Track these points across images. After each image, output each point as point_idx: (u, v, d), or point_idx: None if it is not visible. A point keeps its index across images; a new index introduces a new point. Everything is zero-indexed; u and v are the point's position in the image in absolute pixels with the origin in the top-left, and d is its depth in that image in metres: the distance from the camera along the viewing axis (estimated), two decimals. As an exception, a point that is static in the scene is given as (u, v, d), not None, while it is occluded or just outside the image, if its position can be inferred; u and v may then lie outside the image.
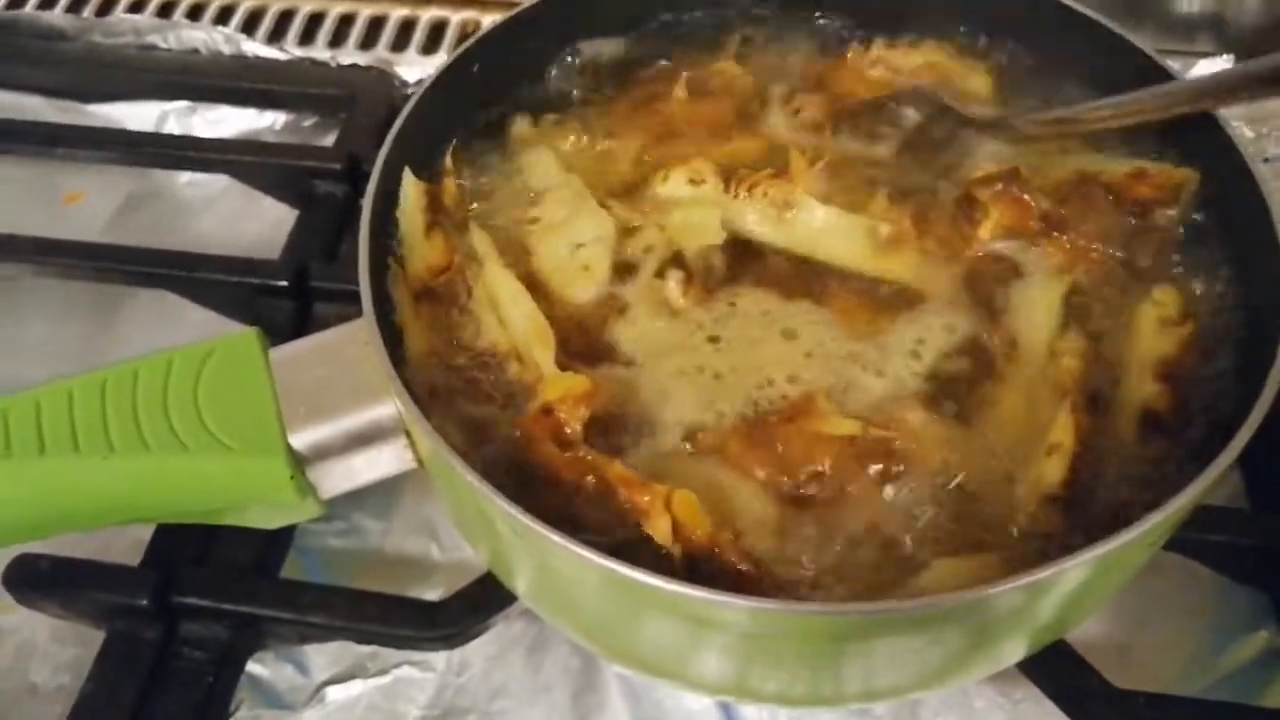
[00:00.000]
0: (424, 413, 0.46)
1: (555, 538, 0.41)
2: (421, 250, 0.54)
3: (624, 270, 0.55)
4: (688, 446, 0.49)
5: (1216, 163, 0.54)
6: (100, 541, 0.62)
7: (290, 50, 0.93)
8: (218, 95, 0.89)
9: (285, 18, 0.97)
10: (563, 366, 0.49)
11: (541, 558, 0.46)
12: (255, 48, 0.92)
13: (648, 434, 0.49)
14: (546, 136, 0.61)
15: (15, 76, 0.91)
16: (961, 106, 0.61)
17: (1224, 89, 0.54)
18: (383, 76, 0.90)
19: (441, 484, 0.52)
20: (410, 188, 0.55)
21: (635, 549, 0.44)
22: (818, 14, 0.67)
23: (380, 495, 0.65)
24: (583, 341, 0.52)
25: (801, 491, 0.47)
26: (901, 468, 0.47)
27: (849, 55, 0.65)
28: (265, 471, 0.48)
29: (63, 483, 0.48)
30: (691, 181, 0.57)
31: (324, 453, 0.49)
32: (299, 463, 0.49)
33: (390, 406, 0.49)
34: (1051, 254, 0.54)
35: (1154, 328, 0.52)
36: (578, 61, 0.65)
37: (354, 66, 0.91)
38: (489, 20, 0.62)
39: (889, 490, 0.47)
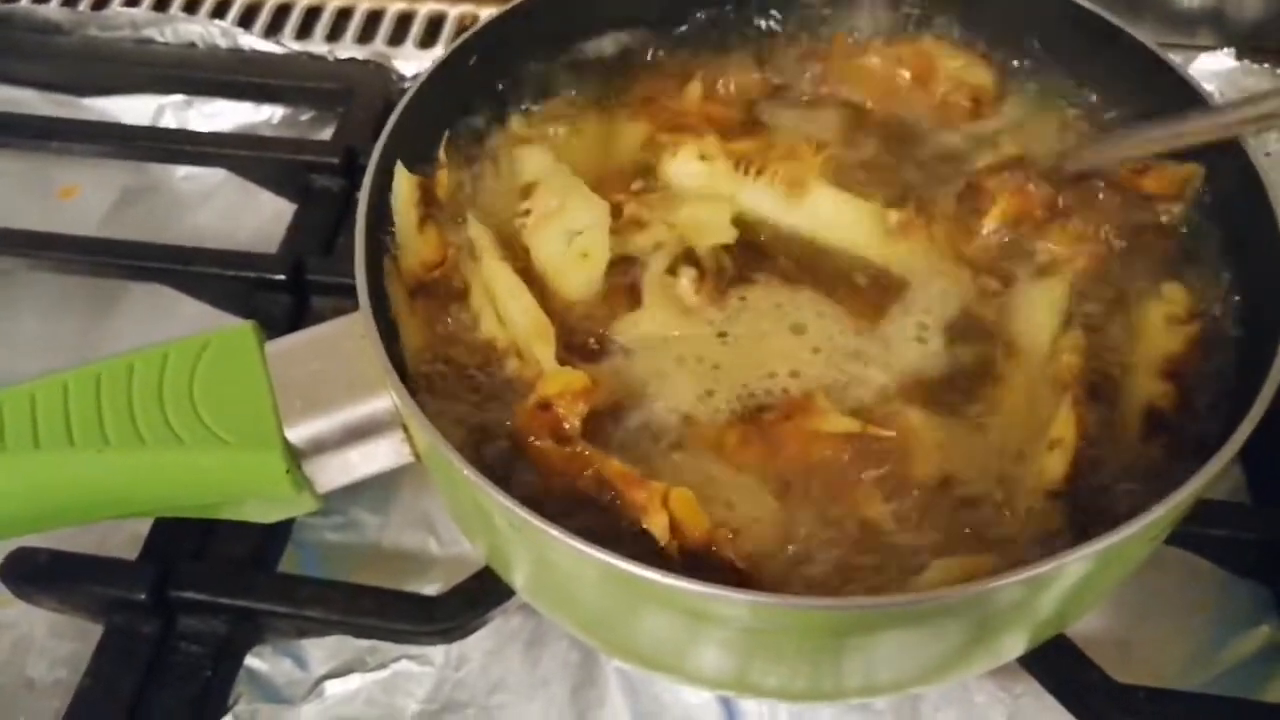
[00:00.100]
0: (421, 407, 0.45)
1: (553, 532, 0.41)
2: (415, 244, 0.54)
3: (629, 265, 0.54)
4: (687, 442, 0.48)
5: (1217, 156, 0.54)
6: (98, 535, 0.62)
7: (287, 44, 0.93)
8: (214, 89, 0.89)
9: (282, 11, 0.97)
10: (562, 362, 0.49)
11: (539, 552, 0.46)
12: (252, 41, 0.91)
13: (648, 429, 0.49)
14: (542, 130, 0.61)
15: (10, 70, 0.91)
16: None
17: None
18: (380, 70, 0.90)
19: (439, 478, 0.52)
20: (403, 181, 0.55)
21: (634, 543, 0.44)
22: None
23: (378, 489, 0.65)
24: (586, 336, 0.52)
25: (799, 490, 0.47)
26: (900, 466, 0.47)
27: (845, 47, 0.64)
28: (261, 465, 0.48)
29: (57, 476, 0.48)
30: (702, 158, 0.57)
31: (320, 446, 0.49)
32: (295, 456, 0.49)
33: (387, 400, 0.48)
34: (1056, 242, 0.54)
35: (1161, 325, 0.51)
36: (576, 56, 0.64)
37: (351, 60, 0.91)
38: (486, 14, 0.61)
39: (887, 489, 0.47)
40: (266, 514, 0.53)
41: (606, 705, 0.57)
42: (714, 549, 0.44)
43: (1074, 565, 0.41)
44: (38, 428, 0.48)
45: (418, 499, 0.65)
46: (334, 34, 0.96)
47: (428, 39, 0.95)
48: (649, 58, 0.65)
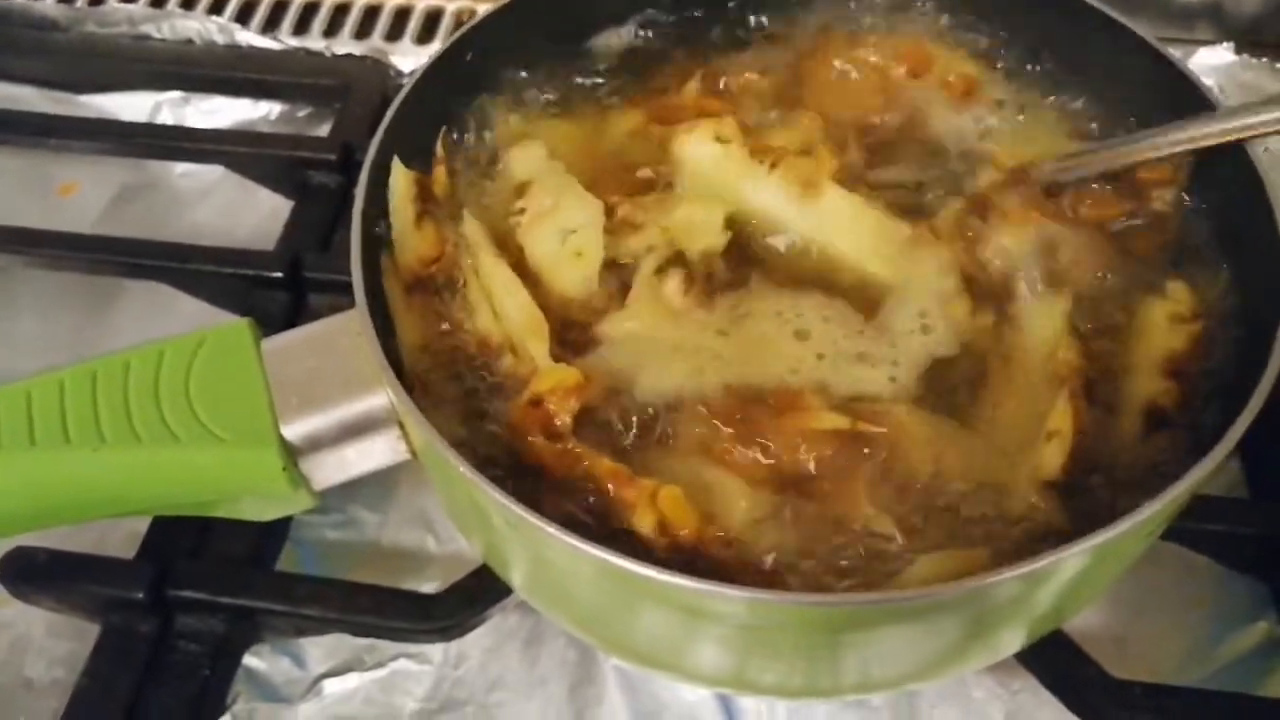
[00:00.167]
0: (417, 404, 0.45)
1: (550, 529, 0.41)
2: (412, 240, 0.54)
3: (623, 266, 0.53)
4: (677, 441, 0.48)
5: (1217, 153, 0.53)
6: (95, 535, 0.62)
7: (284, 40, 0.93)
8: (212, 85, 0.89)
9: (280, 7, 0.97)
10: (557, 358, 0.49)
11: (536, 550, 0.46)
12: (249, 37, 0.91)
13: (639, 426, 0.49)
14: (539, 126, 0.60)
15: (8, 67, 0.91)
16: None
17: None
18: (377, 66, 0.89)
19: (435, 476, 0.52)
20: (400, 177, 0.54)
21: (631, 539, 0.44)
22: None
23: (376, 487, 0.64)
24: (580, 333, 0.52)
25: (789, 486, 0.47)
26: (892, 463, 0.47)
27: (834, 37, 0.64)
28: (257, 463, 0.48)
29: (54, 475, 0.48)
30: (718, 139, 0.56)
31: (317, 444, 0.49)
32: (291, 454, 0.49)
33: (383, 397, 0.48)
34: (1059, 253, 0.54)
35: (1164, 323, 0.51)
36: (573, 52, 0.64)
37: (348, 56, 0.91)
38: (483, 9, 0.61)
39: (879, 485, 0.47)
40: (263, 512, 0.53)
41: (605, 703, 0.57)
42: (703, 546, 0.44)
43: (1071, 560, 0.41)
44: (34, 426, 0.48)
45: (415, 496, 0.65)
46: (331, 29, 0.95)
47: (425, 34, 0.95)
48: (648, 54, 0.65)
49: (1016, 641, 0.50)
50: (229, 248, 0.75)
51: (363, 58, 0.90)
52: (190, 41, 0.92)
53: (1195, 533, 0.59)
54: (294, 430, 0.48)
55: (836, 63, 0.63)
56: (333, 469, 0.50)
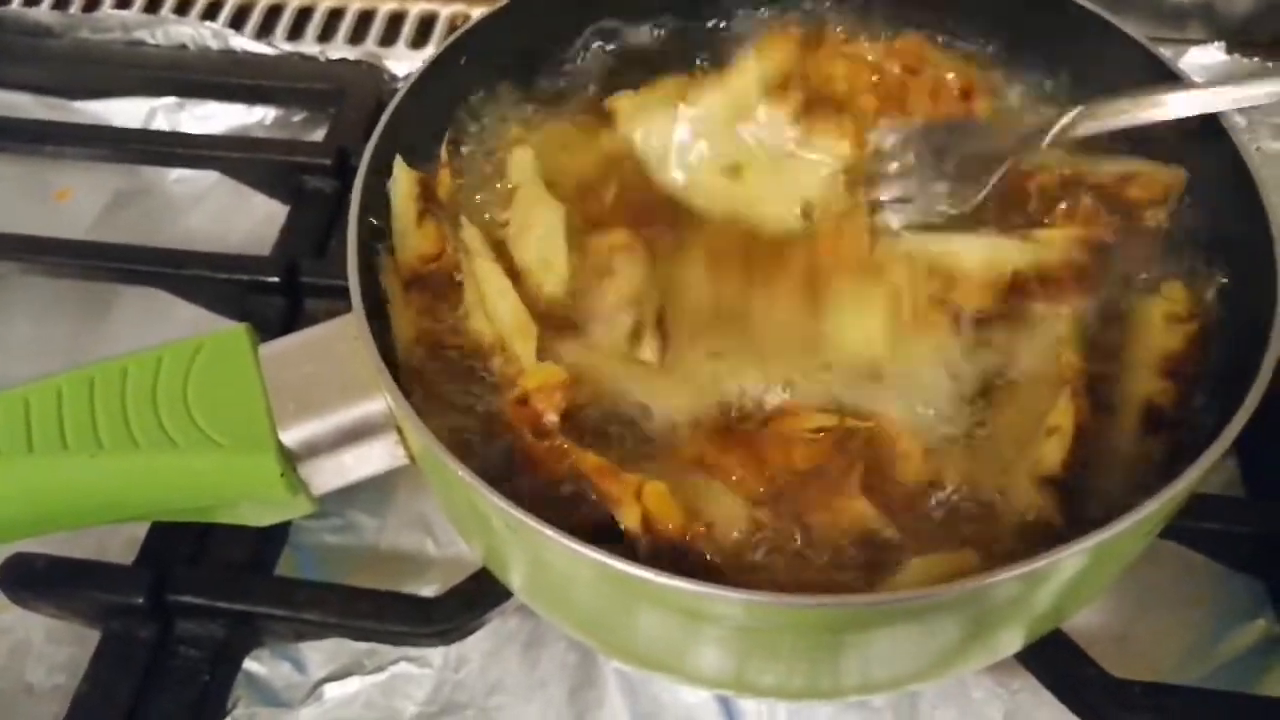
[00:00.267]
0: (414, 408, 0.45)
1: (548, 532, 0.41)
2: (413, 239, 0.54)
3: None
4: (665, 447, 0.48)
5: (1208, 152, 0.54)
6: (95, 540, 0.62)
7: (279, 45, 0.92)
8: (206, 91, 0.88)
9: (273, 12, 0.97)
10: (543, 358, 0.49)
11: (535, 553, 0.46)
12: (244, 43, 0.91)
13: (630, 425, 0.49)
14: (533, 131, 0.60)
15: (2, 74, 0.90)
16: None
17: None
18: (372, 71, 0.89)
19: (434, 480, 0.52)
20: (402, 176, 0.55)
21: (629, 543, 0.44)
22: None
23: (375, 491, 0.64)
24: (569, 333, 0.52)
25: (779, 489, 0.47)
26: (884, 464, 0.47)
27: (825, 38, 0.63)
28: (255, 468, 0.48)
29: (51, 481, 0.48)
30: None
31: (314, 449, 0.49)
32: (289, 459, 0.49)
33: (380, 402, 0.48)
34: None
35: (1160, 323, 0.51)
36: (569, 56, 0.64)
37: (343, 61, 0.91)
38: (477, 13, 0.61)
39: (871, 488, 0.47)
40: (262, 517, 0.53)
41: (605, 706, 0.57)
42: (688, 543, 0.44)
43: (1069, 560, 0.41)
44: (31, 432, 0.48)
45: (414, 500, 0.65)
46: (325, 34, 0.95)
47: (419, 39, 0.95)
48: (642, 56, 0.64)
49: (1016, 642, 0.50)
50: (225, 253, 0.75)
51: (357, 62, 0.90)
52: (184, 47, 0.91)
53: (1193, 531, 0.59)
54: (292, 436, 0.48)
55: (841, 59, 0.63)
56: (331, 474, 0.50)
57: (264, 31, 0.95)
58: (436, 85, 0.58)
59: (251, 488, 0.49)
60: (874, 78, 0.61)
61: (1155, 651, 0.59)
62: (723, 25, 0.65)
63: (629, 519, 0.44)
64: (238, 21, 0.95)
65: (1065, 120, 0.54)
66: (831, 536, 0.46)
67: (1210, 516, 0.59)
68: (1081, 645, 0.55)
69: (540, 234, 0.54)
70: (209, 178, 0.84)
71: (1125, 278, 0.54)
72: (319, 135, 0.85)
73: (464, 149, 0.60)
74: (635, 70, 0.63)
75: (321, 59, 0.91)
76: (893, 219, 0.56)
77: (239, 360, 0.50)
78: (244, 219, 0.82)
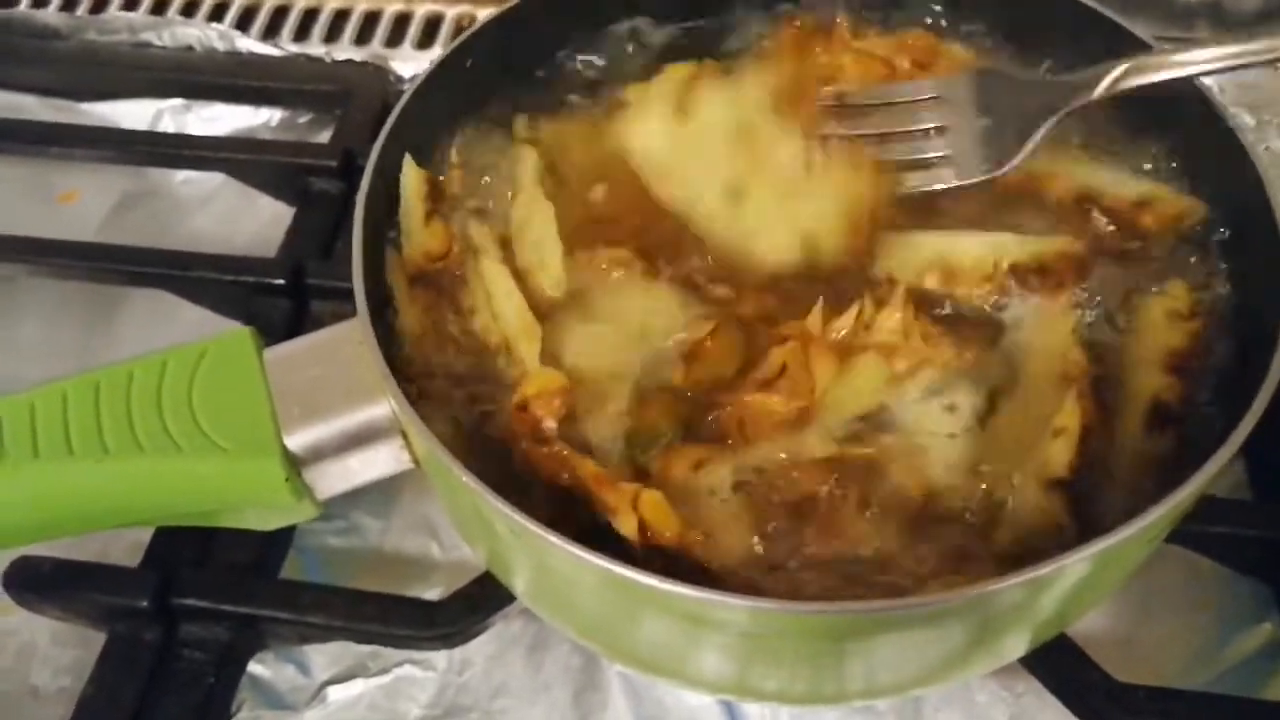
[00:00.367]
0: (419, 413, 0.45)
1: (552, 538, 0.41)
2: (420, 237, 0.54)
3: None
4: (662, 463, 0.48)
5: (1217, 152, 0.53)
6: (100, 543, 0.62)
7: (285, 46, 0.93)
8: (212, 93, 0.89)
9: (280, 14, 0.97)
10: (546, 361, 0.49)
11: (539, 558, 0.46)
12: (250, 44, 0.91)
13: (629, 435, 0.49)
14: (539, 132, 0.60)
15: (9, 76, 0.91)
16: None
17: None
18: (378, 72, 0.90)
19: (438, 484, 0.52)
20: (411, 175, 0.55)
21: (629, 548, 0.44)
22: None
23: (379, 494, 0.65)
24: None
25: (776, 513, 0.47)
26: (882, 487, 0.47)
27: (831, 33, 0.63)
28: (260, 473, 0.48)
29: (57, 486, 0.48)
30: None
31: (319, 454, 0.49)
32: (294, 464, 0.48)
33: (385, 407, 0.48)
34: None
35: (1163, 321, 0.51)
36: (574, 57, 0.64)
37: (349, 62, 0.91)
38: (484, 14, 0.61)
39: (869, 509, 0.46)
40: (267, 521, 0.53)
41: (609, 709, 0.57)
42: (685, 551, 0.44)
43: (1074, 566, 0.41)
44: (37, 437, 0.48)
45: (419, 503, 0.65)
46: (331, 35, 0.95)
47: (425, 40, 0.95)
48: (649, 57, 0.64)
49: (1021, 647, 0.50)
50: (231, 255, 0.75)
51: (363, 64, 0.90)
52: (191, 48, 0.92)
53: (1199, 535, 0.59)
54: (297, 440, 0.48)
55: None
56: (336, 478, 0.50)
57: (270, 33, 0.95)
58: (442, 87, 0.58)
59: (256, 492, 0.49)
60: (885, 72, 0.61)
61: (1160, 655, 0.58)
62: (732, 26, 0.65)
63: (626, 527, 0.44)
64: (244, 23, 0.95)
65: (1116, 73, 0.53)
66: (835, 547, 0.45)
67: (1217, 520, 0.59)
68: (1086, 649, 0.54)
69: (535, 235, 0.54)
70: (215, 179, 0.84)
71: (1134, 276, 0.53)
72: (325, 137, 0.85)
73: (470, 150, 0.60)
74: (642, 71, 0.63)
75: (327, 60, 0.91)
76: (931, 181, 0.55)
77: (244, 364, 0.50)
78: (250, 221, 0.82)
